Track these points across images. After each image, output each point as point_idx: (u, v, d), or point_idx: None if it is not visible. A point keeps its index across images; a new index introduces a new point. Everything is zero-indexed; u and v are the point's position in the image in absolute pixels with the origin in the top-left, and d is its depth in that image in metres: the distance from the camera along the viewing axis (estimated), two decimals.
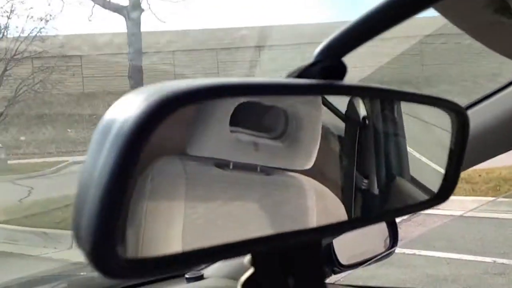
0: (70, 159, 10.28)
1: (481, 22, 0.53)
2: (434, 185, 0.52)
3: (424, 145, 0.58)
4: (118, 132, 0.27)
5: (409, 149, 0.55)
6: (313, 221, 0.51)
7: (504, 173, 6.73)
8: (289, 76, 0.36)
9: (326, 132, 0.52)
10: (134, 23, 7.26)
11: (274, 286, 0.42)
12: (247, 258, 0.41)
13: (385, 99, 0.47)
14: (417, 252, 4.52)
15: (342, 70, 0.37)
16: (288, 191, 0.50)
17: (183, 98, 0.29)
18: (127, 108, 0.28)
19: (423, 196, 0.53)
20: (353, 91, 0.39)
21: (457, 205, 5.93)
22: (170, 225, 0.41)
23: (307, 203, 0.50)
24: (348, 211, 0.54)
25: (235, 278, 1.45)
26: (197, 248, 0.34)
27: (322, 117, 0.50)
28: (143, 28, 7.57)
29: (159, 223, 0.41)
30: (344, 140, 0.56)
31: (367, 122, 0.55)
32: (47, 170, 9.97)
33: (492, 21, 0.52)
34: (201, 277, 1.53)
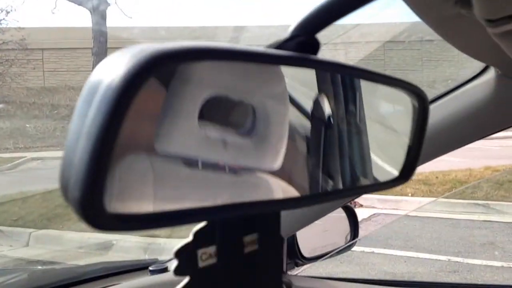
0: (28, 155, 9.96)
1: (442, 14, 0.57)
2: (397, 167, 0.54)
3: (388, 129, 0.60)
4: (109, 85, 0.28)
5: (374, 132, 0.57)
6: (277, 194, 0.51)
7: (459, 176, 6.98)
8: (267, 47, 0.38)
9: (293, 131, 0.52)
10: (99, 18, 7.11)
11: (228, 240, 0.44)
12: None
13: (354, 76, 0.49)
14: (375, 250, 4.64)
15: (316, 46, 0.39)
16: (256, 191, 0.50)
17: (170, 56, 0.30)
18: (117, 64, 0.29)
19: (386, 177, 0.55)
20: (326, 66, 0.42)
21: (414, 206, 6.12)
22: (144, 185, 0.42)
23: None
24: (310, 186, 0.56)
25: None
26: (171, 209, 0.37)
27: (289, 115, 0.50)
28: (108, 23, 7.45)
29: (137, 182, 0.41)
30: (310, 139, 0.57)
31: (332, 120, 0.57)
32: (3, 166, 9.63)
33: (452, 14, 0.56)
34: (165, 270, 1.53)
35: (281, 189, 0.51)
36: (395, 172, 0.53)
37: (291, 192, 0.52)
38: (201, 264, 0.42)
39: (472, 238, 5.08)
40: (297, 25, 0.39)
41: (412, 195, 6.47)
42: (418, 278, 4.08)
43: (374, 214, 5.95)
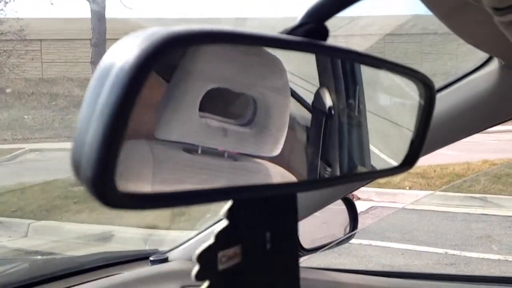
0: (27, 146, 9.95)
1: (450, 4, 0.57)
2: (401, 153, 0.54)
3: (393, 116, 0.61)
4: (123, 67, 0.29)
5: (380, 119, 0.58)
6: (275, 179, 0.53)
7: (457, 169, 7.00)
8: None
9: (293, 121, 0.53)
10: (98, 8, 7.08)
11: (251, 237, 0.44)
12: (223, 210, 0.44)
13: (361, 63, 0.50)
14: (373, 243, 4.66)
15: (325, 33, 0.40)
16: (255, 177, 0.51)
17: (181, 38, 0.31)
18: (130, 46, 0.30)
19: (390, 164, 0.56)
20: (335, 52, 0.42)
21: (411, 199, 6.15)
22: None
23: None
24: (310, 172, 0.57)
25: None
26: (176, 190, 0.38)
27: (290, 107, 0.51)
28: (108, 15, 7.42)
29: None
30: (311, 130, 0.58)
31: (332, 112, 0.57)
32: (2, 158, 9.62)
33: (460, 4, 0.56)
34: (165, 260, 1.54)
35: (280, 175, 0.52)
36: (399, 159, 0.54)
37: (290, 178, 0.53)
38: (220, 267, 0.42)
39: (469, 231, 5.10)
40: (307, 12, 0.40)
41: (409, 188, 6.50)
42: (416, 270, 4.11)
43: (371, 207, 5.97)
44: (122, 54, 0.30)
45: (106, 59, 0.30)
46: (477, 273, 4.04)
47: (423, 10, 0.66)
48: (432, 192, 6.07)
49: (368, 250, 4.54)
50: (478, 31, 0.72)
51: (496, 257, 4.34)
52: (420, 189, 6.44)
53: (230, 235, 0.43)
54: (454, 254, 4.44)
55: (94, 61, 6.93)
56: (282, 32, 0.39)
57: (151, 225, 4.72)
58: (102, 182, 0.29)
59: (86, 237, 4.67)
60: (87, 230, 4.86)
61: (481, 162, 6.96)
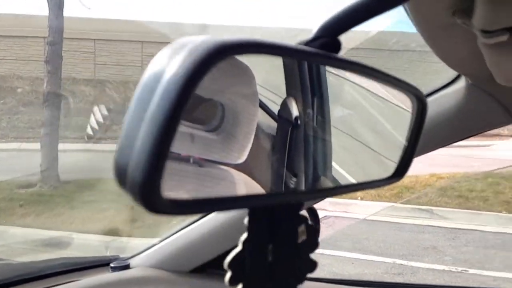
0: None
1: (437, 24, 0.60)
2: (391, 164, 0.56)
3: (384, 128, 0.63)
4: (175, 75, 0.29)
5: (369, 131, 0.60)
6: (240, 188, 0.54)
7: (406, 182, 7.24)
8: None
9: (259, 130, 0.54)
10: (56, 7, 6.85)
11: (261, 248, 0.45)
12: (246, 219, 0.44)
13: (367, 76, 0.51)
14: (325, 252, 4.75)
15: (338, 46, 0.41)
16: (220, 183, 0.51)
17: (230, 48, 0.32)
18: (181, 54, 0.30)
19: (381, 174, 0.57)
20: (347, 65, 0.44)
21: (363, 209, 6.31)
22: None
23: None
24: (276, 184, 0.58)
25: (162, 267, 1.45)
26: (216, 196, 0.39)
27: (258, 115, 0.51)
28: (65, 13, 7.18)
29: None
30: (276, 139, 0.59)
31: (299, 121, 0.58)
32: None
33: (446, 24, 0.59)
34: (127, 267, 1.51)
35: (244, 183, 0.53)
36: (390, 170, 0.56)
37: (254, 186, 0.54)
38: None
39: (416, 242, 5.29)
40: (321, 27, 0.41)
41: (361, 199, 6.66)
42: (366, 279, 4.21)
43: (325, 216, 6.08)
44: (174, 61, 0.30)
45: (156, 66, 0.31)
46: (422, 282, 4.20)
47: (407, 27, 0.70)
48: (393, 204, 6.26)
49: (320, 259, 4.57)
50: (455, 51, 0.76)
51: (441, 267, 4.52)
52: (371, 200, 6.61)
53: (256, 240, 0.44)
54: (402, 264, 4.58)
55: (49, 60, 6.67)
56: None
57: (103, 231, 4.59)
58: (151, 188, 0.29)
59: (32, 242, 4.48)
60: (33, 234, 4.67)
61: (429, 176, 7.24)
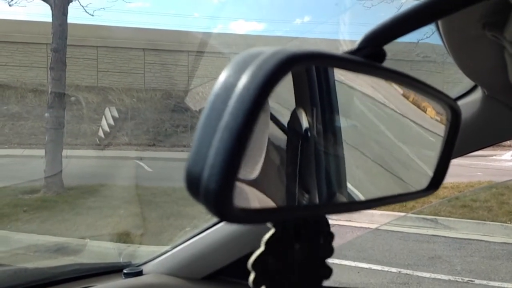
0: None
1: (465, 36, 0.61)
2: (426, 177, 0.56)
3: (418, 140, 0.63)
4: (249, 85, 0.30)
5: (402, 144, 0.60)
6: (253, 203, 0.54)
7: None
8: None
9: (270, 144, 0.54)
10: (60, 13, 6.89)
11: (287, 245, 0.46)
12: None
13: (407, 85, 0.51)
14: (330, 260, 4.72)
15: (382, 56, 0.42)
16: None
17: (302, 58, 0.32)
18: (255, 65, 0.30)
19: (414, 187, 0.57)
20: (392, 75, 0.44)
21: (367, 218, 6.29)
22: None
23: None
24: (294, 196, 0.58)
25: (174, 274, 1.45)
26: (283, 205, 0.41)
27: (269, 129, 0.51)
28: (69, 20, 7.22)
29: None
30: (287, 152, 0.58)
31: (309, 133, 0.58)
32: None
33: (474, 36, 0.60)
34: (140, 273, 1.51)
35: (257, 199, 0.52)
36: (424, 182, 0.56)
37: (268, 202, 0.53)
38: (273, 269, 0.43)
39: (421, 252, 5.26)
40: (365, 37, 0.42)
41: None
42: None
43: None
44: (247, 72, 0.30)
45: (228, 76, 0.31)
46: None
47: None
48: (404, 214, 6.24)
49: None
50: (477, 62, 0.77)
51: (446, 277, 4.50)
52: (375, 209, 6.60)
53: (277, 242, 0.44)
54: (407, 274, 4.56)
55: (53, 67, 6.69)
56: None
57: (107, 238, 4.59)
58: (225, 197, 0.29)
59: (37, 248, 4.47)
60: (38, 241, 4.66)
61: None
